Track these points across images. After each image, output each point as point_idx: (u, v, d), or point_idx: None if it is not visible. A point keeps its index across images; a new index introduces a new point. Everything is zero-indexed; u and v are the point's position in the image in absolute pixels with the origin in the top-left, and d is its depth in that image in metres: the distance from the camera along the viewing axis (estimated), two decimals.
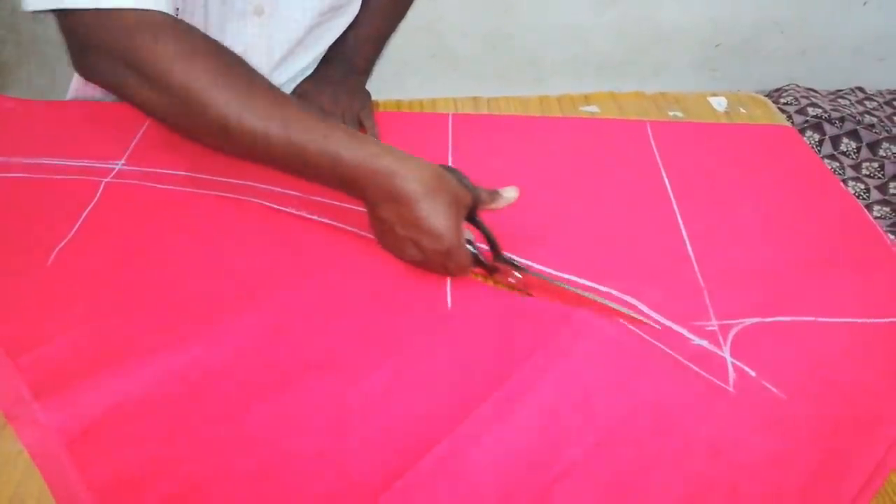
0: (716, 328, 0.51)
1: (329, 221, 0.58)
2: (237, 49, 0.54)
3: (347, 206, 0.58)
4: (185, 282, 0.53)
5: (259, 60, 0.69)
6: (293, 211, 0.59)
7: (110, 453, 0.41)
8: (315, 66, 0.77)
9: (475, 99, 0.77)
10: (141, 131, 0.65)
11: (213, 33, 0.55)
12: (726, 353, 0.49)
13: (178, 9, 0.56)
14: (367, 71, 0.79)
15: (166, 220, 0.58)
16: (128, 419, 0.43)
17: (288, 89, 0.74)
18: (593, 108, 0.76)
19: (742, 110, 0.76)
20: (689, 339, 0.50)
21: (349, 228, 0.57)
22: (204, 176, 0.61)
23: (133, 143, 0.64)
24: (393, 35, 0.83)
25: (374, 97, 0.75)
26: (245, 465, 0.41)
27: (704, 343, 0.50)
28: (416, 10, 1.49)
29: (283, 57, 0.72)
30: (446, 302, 0.52)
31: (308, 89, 0.73)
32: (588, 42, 1.61)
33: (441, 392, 0.46)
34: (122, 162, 0.61)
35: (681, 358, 0.48)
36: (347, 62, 0.76)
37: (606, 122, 0.73)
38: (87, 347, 0.47)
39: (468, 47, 1.59)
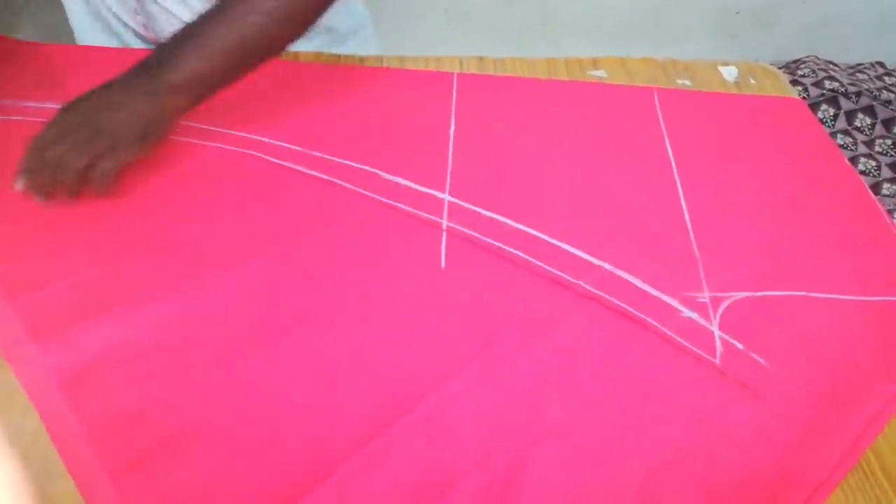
0: (707, 300, 0.51)
1: (325, 176, 0.58)
2: None
3: (343, 161, 0.59)
4: (181, 231, 0.53)
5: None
6: (289, 164, 0.59)
7: (105, 394, 0.42)
8: None
9: (481, 59, 0.76)
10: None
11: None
12: (715, 327, 0.49)
13: None
14: (179, 90, 0.55)
15: (166, 169, 0.58)
16: (122, 362, 0.44)
17: None
18: (601, 73, 0.75)
19: (752, 81, 0.75)
20: (679, 310, 0.50)
21: (346, 185, 0.58)
22: (201, 126, 0.61)
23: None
24: (254, 55, 0.58)
25: (384, 51, 0.73)
26: (234, 411, 0.42)
27: (694, 315, 0.50)
28: None
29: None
30: (440, 262, 0.53)
31: (59, 114, 0.55)
32: (603, 4, 1.58)
33: (428, 351, 0.47)
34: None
35: (668, 331, 0.49)
36: (154, 69, 0.55)
37: (613, 88, 0.72)
38: (84, 291, 0.48)
39: (481, 3, 1.56)
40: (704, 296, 0.52)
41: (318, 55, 0.74)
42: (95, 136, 0.53)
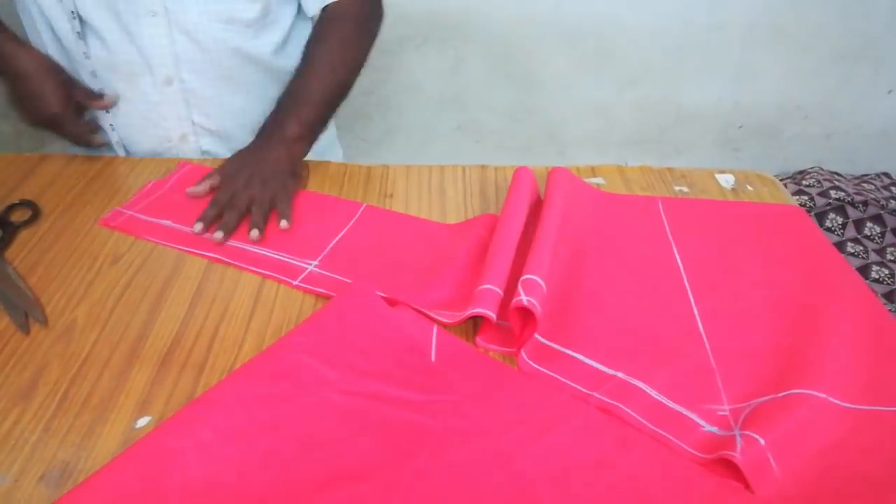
0: (727, 413, 0.49)
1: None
2: (146, 47, 0.75)
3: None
4: None
5: (164, 59, 0.76)
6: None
7: None
8: (231, 88, 0.82)
9: (483, 168, 0.79)
10: (339, 236, 0.67)
11: (121, 33, 0.74)
12: (737, 433, 0.47)
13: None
14: (301, 138, 0.74)
15: None
16: None
17: (205, 104, 0.81)
18: (599, 180, 0.77)
19: (749, 188, 0.76)
20: (699, 424, 0.48)
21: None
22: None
23: (330, 246, 0.65)
24: (336, 103, 0.79)
25: (402, 162, 0.78)
26: None
27: (715, 430, 0.48)
28: (444, 82, 1.56)
29: (189, 59, 0.77)
30: (430, 354, 0.52)
31: (229, 171, 0.72)
32: (609, 120, 1.64)
33: (419, 453, 0.45)
34: (316, 264, 0.63)
35: (688, 447, 0.47)
36: (278, 130, 0.74)
37: (616, 197, 0.74)
38: None
39: (493, 120, 1.63)
40: (725, 408, 0.50)
41: None
42: (263, 180, 0.69)
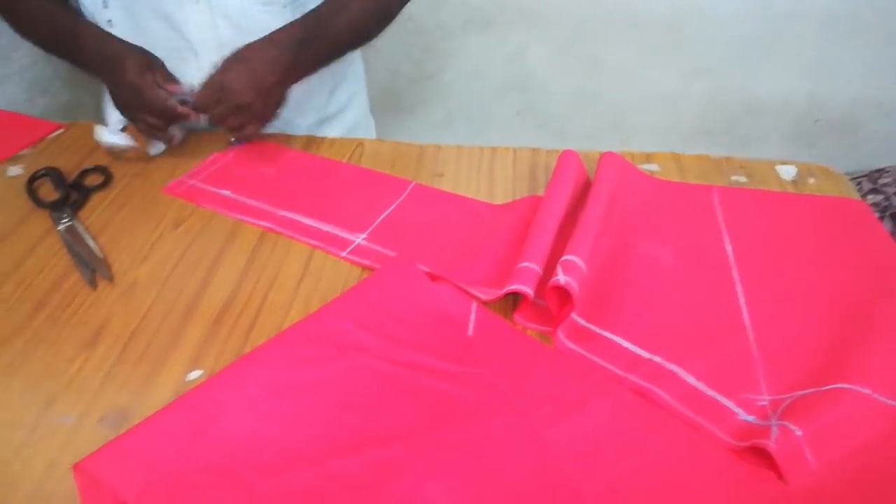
0: (766, 403, 0.48)
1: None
2: (188, 30, 0.76)
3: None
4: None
5: (209, 44, 0.77)
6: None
7: None
8: None
9: (534, 151, 0.79)
10: (387, 212, 0.68)
11: (163, 22, 0.75)
12: (774, 424, 0.46)
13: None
14: (298, 62, 0.73)
15: None
16: None
17: None
18: (653, 167, 0.76)
19: (811, 180, 0.74)
20: (735, 412, 0.48)
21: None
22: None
23: (378, 221, 0.67)
24: (356, 45, 0.80)
25: (460, 144, 0.79)
26: None
27: (752, 419, 0.47)
28: (506, 67, 1.56)
29: (233, 43, 0.73)
30: (468, 328, 0.54)
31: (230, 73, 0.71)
32: (676, 110, 1.60)
33: (450, 422, 0.46)
34: (364, 237, 0.65)
35: (723, 435, 0.46)
36: (284, 34, 0.73)
37: (670, 184, 0.73)
38: None
39: (554, 106, 1.61)
40: (764, 399, 0.49)
41: (310, 137, 0.82)
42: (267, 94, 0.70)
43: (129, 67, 0.69)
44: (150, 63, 0.71)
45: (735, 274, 0.60)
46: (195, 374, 0.50)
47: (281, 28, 0.73)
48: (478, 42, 1.51)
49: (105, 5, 0.77)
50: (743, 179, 0.74)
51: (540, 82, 1.58)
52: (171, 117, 0.71)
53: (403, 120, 1.64)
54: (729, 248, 0.63)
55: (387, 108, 1.54)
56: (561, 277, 0.52)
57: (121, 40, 0.72)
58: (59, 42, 0.76)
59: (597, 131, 1.65)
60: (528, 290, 0.53)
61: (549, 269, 0.55)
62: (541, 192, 0.71)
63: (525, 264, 0.55)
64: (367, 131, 1.03)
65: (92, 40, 0.72)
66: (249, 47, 0.71)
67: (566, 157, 0.69)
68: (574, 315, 0.52)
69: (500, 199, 0.71)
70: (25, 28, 0.79)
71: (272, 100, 0.72)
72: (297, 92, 0.77)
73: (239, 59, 0.70)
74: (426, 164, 0.77)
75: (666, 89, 1.57)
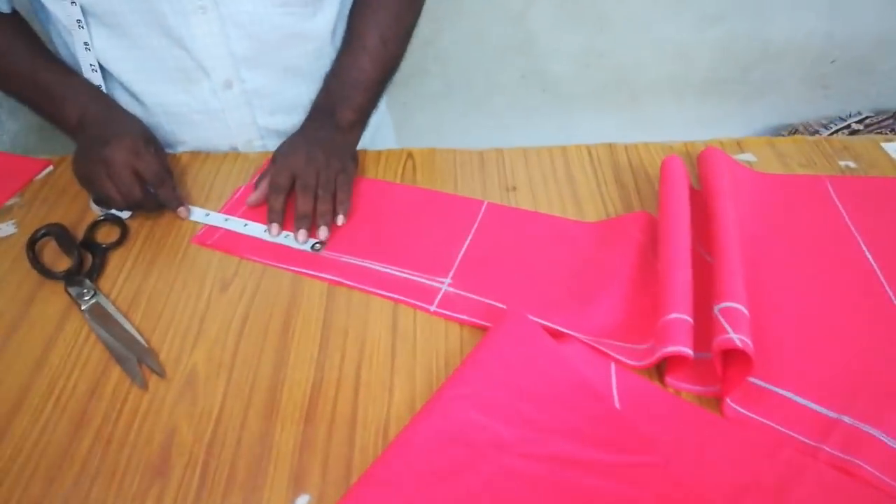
0: None
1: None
2: (196, 46, 0.65)
3: None
4: None
5: (221, 60, 0.67)
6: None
7: None
8: (292, 79, 0.72)
9: (611, 146, 0.69)
10: (466, 244, 0.58)
11: (166, 38, 0.64)
12: None
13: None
14: (355, 125, 0.68)
15: None
16: None
17: (268, 102, 0.72)
18: (749, 157, 0.67)
19: None
20: None
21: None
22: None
23: (459, 258, 0.57)
24: (388, 81, 0.72)
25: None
26: None
27: None
28: (507, 29, 1.43)
29: (246, 56, 0.67)
30: (613, 398, 0.45)
31: (283, 151, 0.64)
32: (688, 60, 1.50)
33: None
34: (449, 282, 0.55)
35: None
36: (330, 116, 0.67)
37: (778, 179, 0.64)
38: None
39: (560, 67, 1.50)
40: None
41: None
42: (326, 156, 0.62)
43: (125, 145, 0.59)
44: (148, 141, 0.62)
45: (888, 289, 0.52)
46: (303, 502, 0.40)
47: (331, 113, 0.67)
48: (477, 4, 1.38)
49: (81, 25, 0.63)
50: (852, 164, 0.66)
51: (544, 44, 1.46)
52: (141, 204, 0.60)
53: (399, 93, 1.51)
54: (869, 255, 0.55)
55: None
56: (734, 336, 0.43)
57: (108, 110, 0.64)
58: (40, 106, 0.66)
59: (604, 90, 1.55)
60: (690, 352, 0.44)
61: (697, 316, 0.46)
62: (633, 199, 0.62)
63: (674, 315, 0.46)
64: (388, 130, 0.91)
65: (76, 110, 0.64)
66: (313, 129, 0.66)
67: (670, 164, 0.60)
68: (753, 379, 0.44)
69: (590, 213, 0.61)
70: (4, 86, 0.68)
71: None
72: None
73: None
74: (492, 175, 0.66)
75: (676, 40, 1.47)
